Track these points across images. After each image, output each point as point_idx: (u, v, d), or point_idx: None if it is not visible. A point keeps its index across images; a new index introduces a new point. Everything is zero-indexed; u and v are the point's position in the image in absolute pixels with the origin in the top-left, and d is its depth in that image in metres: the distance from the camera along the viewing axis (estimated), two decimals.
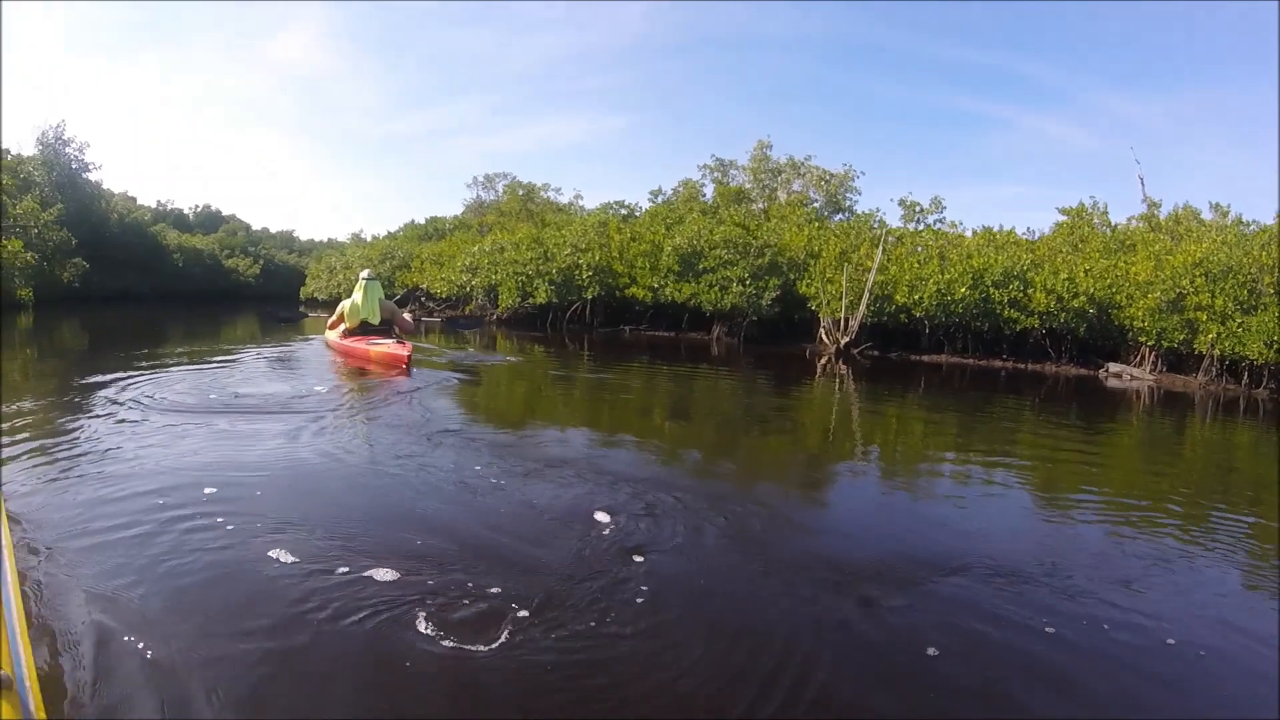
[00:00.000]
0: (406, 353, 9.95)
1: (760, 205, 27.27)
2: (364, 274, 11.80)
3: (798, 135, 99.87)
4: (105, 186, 49.65)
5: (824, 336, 17.66)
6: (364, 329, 11.29)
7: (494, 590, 2.93)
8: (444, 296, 27.45)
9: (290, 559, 3.15)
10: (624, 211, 28.51)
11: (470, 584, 2.98)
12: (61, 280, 35.87)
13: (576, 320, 22.29)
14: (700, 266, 19.60)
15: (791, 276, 19.09)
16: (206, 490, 4.00)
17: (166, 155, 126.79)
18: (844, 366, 14.59)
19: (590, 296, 21.32)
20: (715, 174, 29.69)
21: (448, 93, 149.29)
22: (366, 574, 3.03)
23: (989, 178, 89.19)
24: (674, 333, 20.77)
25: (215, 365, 9.99)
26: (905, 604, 3.08)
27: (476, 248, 25.45)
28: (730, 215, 22.35)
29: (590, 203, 34.64)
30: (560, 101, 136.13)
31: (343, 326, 11.51)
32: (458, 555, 3.30)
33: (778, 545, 3.77)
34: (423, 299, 30.07)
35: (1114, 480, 6.12)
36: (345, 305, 11.53)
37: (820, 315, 17.73)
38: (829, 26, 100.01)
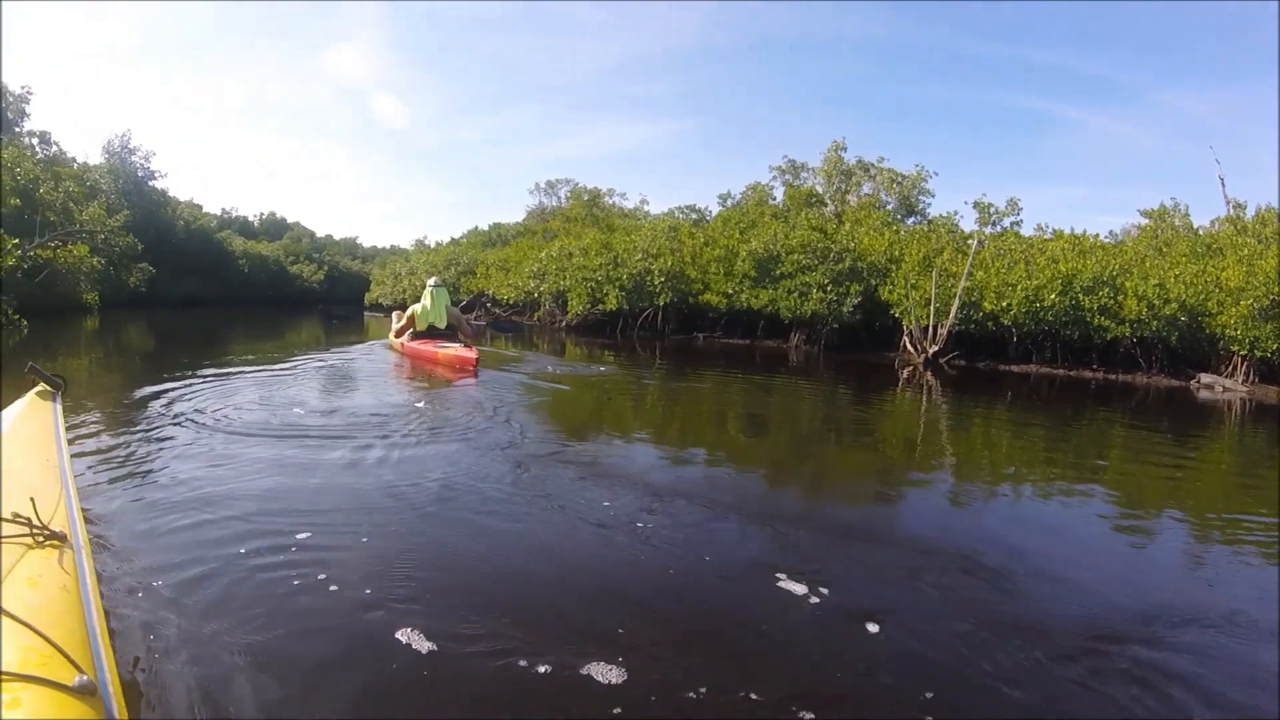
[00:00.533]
0: (474, 356, 10.42)
1: (832, 208, 26.76)
2: (431, 281, 12.49)
3: (857, 138, 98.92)
4: (171, 194, 51.11)
5: (909, 345, 17.17)
6: (430, 333, 11.98)
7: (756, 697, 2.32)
8: (510, 302, 27.51)
9: (426, 644, 2.52)
10: (694, 216, 28.27)
11: (728, 692, 2.33)
12: (128, 285, 36.64)
13: (647, 327, 22.20)
14: (777, 272, 19.22)
15: (873, 282, 18.59)
16: (299, 535, 3.45)
17: (232, 165, 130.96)
18: (933, 377, 14.12)
19: (662, 303, 21.13)
20: (786, 176, 29.31)
21: (502, 101, 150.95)
22: (574, 670, 2.40)
23: (1054, 179, 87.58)
24: (749, 340, 20.43)
25: (283, 372, 10.04)
26: None
27: (544, 253, 25.48)
28: (806, 219, 21.92)
29: (655, 208, 34.56)
30: (615, 108, 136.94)
31: (409, 330, 12.20)
32: (671, 644, 2.67)
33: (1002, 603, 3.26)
34: (488, 305, 30.22)
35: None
36: (414, 309, 12.21)
37: (904, 323, 17.24)
38: (889, 28, 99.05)
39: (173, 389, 8.00)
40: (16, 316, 16.74)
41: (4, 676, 1.35)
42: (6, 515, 1.94)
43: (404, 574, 3.15)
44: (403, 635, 2.58)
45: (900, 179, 27.24)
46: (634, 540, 3.72)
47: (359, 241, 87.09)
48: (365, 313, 35.11)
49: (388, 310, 29.43)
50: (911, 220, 26.25)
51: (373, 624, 2.69)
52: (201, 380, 8.82)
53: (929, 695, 2.38)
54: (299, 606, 2.81)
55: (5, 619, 1.51)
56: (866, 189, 28.13)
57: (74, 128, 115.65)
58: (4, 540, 1.86)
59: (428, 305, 12.08)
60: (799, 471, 6.08)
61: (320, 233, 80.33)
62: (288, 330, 24.15)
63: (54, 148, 41.27)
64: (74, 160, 42.24)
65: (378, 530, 3.67)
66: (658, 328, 21.94)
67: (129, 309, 33.03)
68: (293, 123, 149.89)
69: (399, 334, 12.53)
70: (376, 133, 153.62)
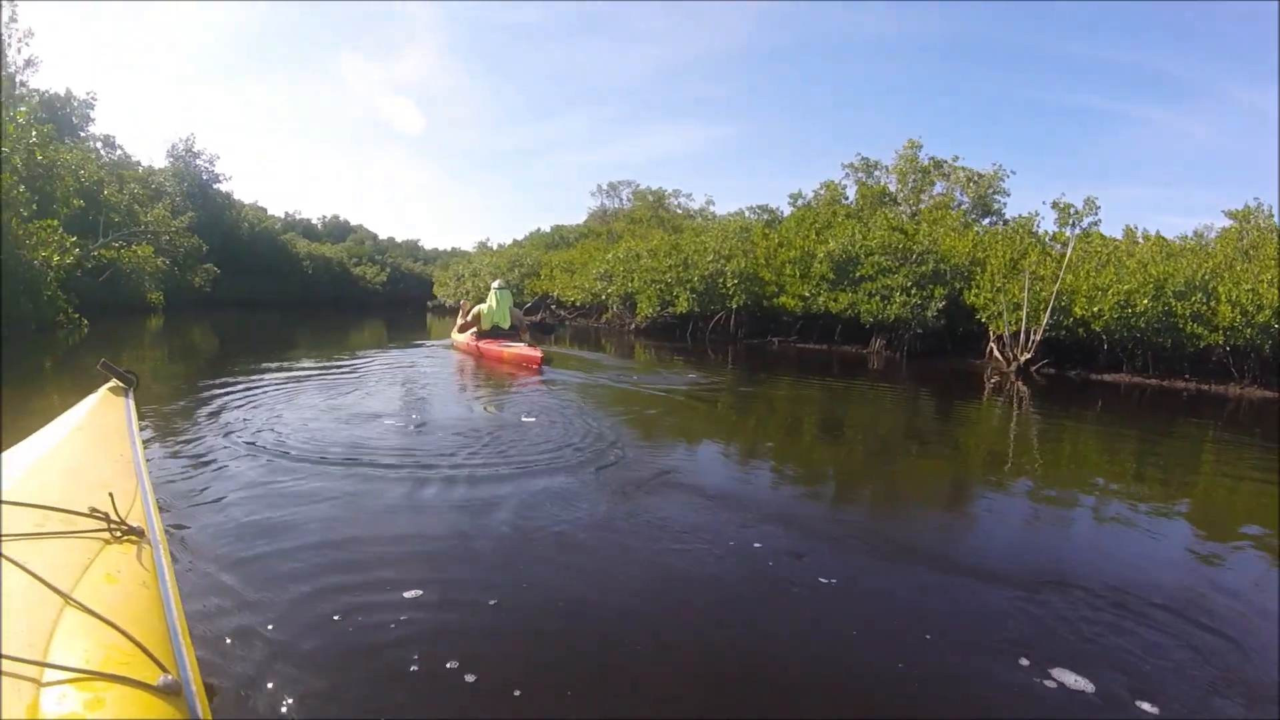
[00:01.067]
0: (539, 354, 11.08)
1: (906, 208, 26.11)
2: (496, 283, 13.30)
3: (920, 137, 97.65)
4: (236, 197, 52.21)
5: (996, 351, 16.57)
6: (495, 332, 12.62)
7: None
8: (577, 304, 27.36)
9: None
10: (765, 216, 27.80)
11: None
12: (193, 285, 37.37)
13: (719, 331, 21.94)
14: (857, 274, 18.75)
15: (956, 286, 17.98)
16: (409, 594, 2.99)
17: (294, 169, 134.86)
18: (1024, 386, 13.64)
19: (735, 306, 20.77)
20: (859, 174, 28.69)
21: (560, 106, 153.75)
22: None
23: (1124, 179, 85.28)
24: (826, 345, 20.06)
25: (351, 375, 10.16)
26: None
27: (610, 255, 25.32)
28: (885, 219, 21.34)
29: (720, 209, 34.20)
30: (672, 111, 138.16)
31: (472, 330, 12.90)
32: None
33: None
34: (553, 306, 30.14)
35: None
36: (479, 309, 12.85)
37: (991, 328, 16.64)
38: (950, 26, 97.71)
39: (240, 389, 8.11)
40: (76, 315, 17.07)
41: (88, 675, 1.34)
42: (83, 509, 1.94)
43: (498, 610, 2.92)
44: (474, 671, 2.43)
45: (977, 178, 26.53)
46: (815, 593, 3.28)
47: (420, 244, 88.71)
48: (428, 314, 35.44)
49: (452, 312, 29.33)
50: (987, 221, 25.52)
51: (455, 637, 2.67)
52: (269, 382, 8.94)
53: None
54: (373, 608, 2.83)
55: (86, 615, 1.50)
56: (939, 188, 27.55)
57: (139, 138, 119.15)
58: (82, 535, 1.86)
59: (493, 306, 12.71)
60: (913, 494, 5.69)
61: (382, 235, 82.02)
62: (351, 331, 24.63)
63: (119, 151, 42.54)
64: (139, 164, 43.36)
65: (466, 544, 3.62)
66: (730, 331, 21.64)
67: (194, 308, 33.66)
68: (355, 128, 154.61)
69: (462, 330, 13.29)
70: (437, 137, 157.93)
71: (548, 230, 48.00)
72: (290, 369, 10.76)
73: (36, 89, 32.17)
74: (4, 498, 1.88)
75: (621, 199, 46.31)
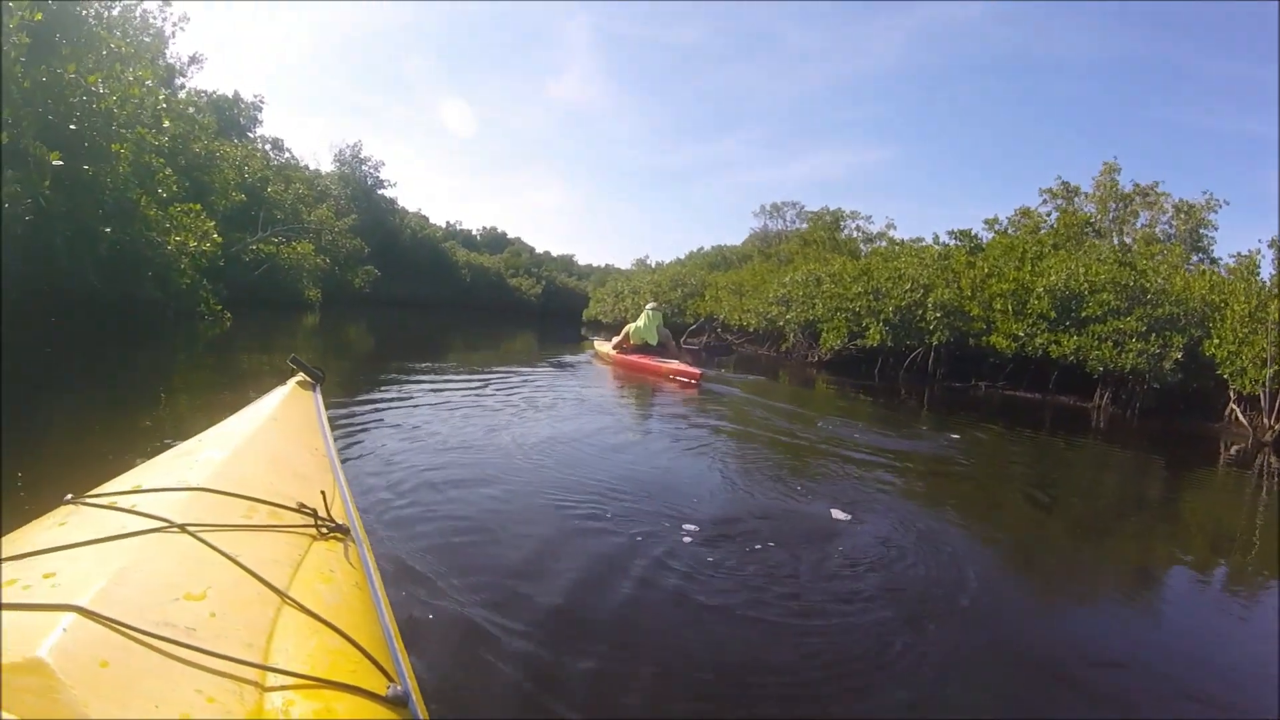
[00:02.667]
0: (698, 371, 12.19)
1: (1114, 240, 23.46)
2: (650, 305, 15.18)
3: (1087, 163, 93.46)
4: (400, 205, 54.70)
5: (1238, 415, 14.09)
6: (642, 348, 14.00)
7: None
8: (747, 329, 25.86)
9: None
10: (965, 243, 25.49)
11: None
12: (352, 285, 38.60)
13: (914, 370, 19.67)
14: (1082, 314, 16.46)
15: (1194, 334, 15.46)
16: (605, 598, 3.19)
17: (457, 183, 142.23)
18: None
19: (936, 342, 18.63)
20: (1059, 200, 26.18)
21: (715, 127, 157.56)
22: None
23: None
24: (1039, 393, 17.57)
25: (512, 380, 10.72)
26: None
27: (789, 277, 23.65)
28: (1112, 252, 18.90)
29: (902, 232, 32.16)
30: (829, 132, 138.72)
31: (617, 343, 14.65)
32: None
33: None
34: (719, 330, 28.72)
35: None
36: (629, 327, 14.47)
37: (1232, 387, 14.16)
38: (1110, 46, 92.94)
39: (404, 389, 8.76)
40: (218, 307, 16.80)
41: (314, 682, 1.31)
42: (286, 502, 1.94)
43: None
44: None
45: (1187, 208, 23.65)
46: None
47: (574, 259, 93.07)
48: (582, 329, 35.10)
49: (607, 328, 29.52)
50: (1196, 259, 22.59)
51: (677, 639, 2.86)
52: (433, 383, 9.63)
53: None
54: (573, 614, 2.94)
55: (305, 616, 1.48)
56: (1142, 219, 24.93)
57: (308, 146, 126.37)
58: (290, 530, 1.84)
59: (642, 324, 14.21)
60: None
61: (539, 249, 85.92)
62: (504, 339, 25.34)
63: (286, 154, 44.64)
64: (306, 167, 45.34)
65: (667, 553, 3.73)
66: (929, 371, 19.48)
67: (351, 307, 34.89)
68: (515, 145, 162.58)
69: (616, 347, 14.66)
70: (593, 156, 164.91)
71: (709, 249, 47.33)
72: (452, 372, 11.59)
73: (205, 90, 33.74)
74: (208, 485, 1.87)
75: (785, 220, 45.26)
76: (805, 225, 41.02)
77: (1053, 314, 16.83)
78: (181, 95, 26.56)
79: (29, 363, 8.51)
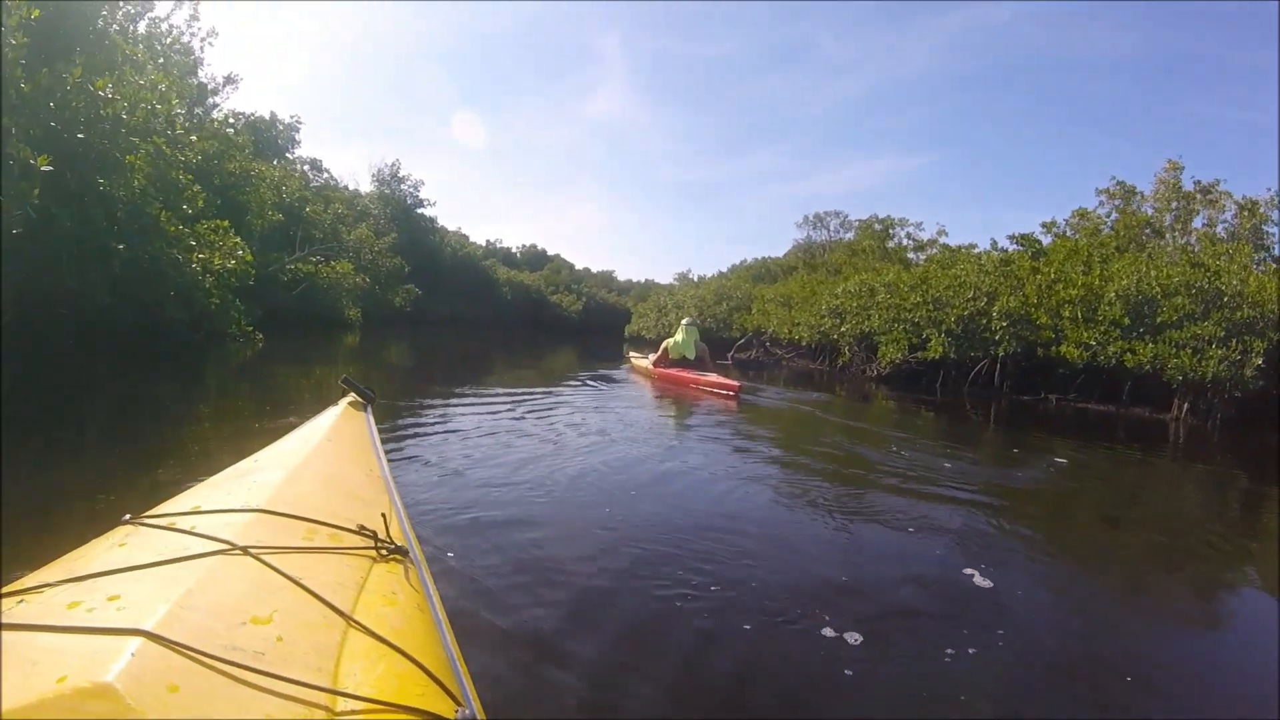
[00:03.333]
0: (737, 384, 12.51)
1: (1172, 241, 22.53)
2: (685, 320, 15.54)
3: (1128, 162, 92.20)
4: (440, 224, 55.26)
5: None
6: (680, 362, 14.55)
7: None
8: (799, 342, 25.25)
9: None
10: (1026, 248, 24.60)
11: None
12: (393, 304, 38.76)
13: (979, 383, 18.92)
14: (1157, 320, 15.69)
15: (1274, 337, 14.63)
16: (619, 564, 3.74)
17: (497, 201, 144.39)
18: None
19: (1002, 353, 17.87)
20: (1115, 200, 25.26)
21: (752, 140, 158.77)
22: None
23: None
24: (1112, 405, 16.75)
25: (553, 397, 10.81)
26: None
27: (841, 288, 23.03)
28: (1185, 254, 18.08)
29: (952, 239, 31.32)
30: (867, 141, 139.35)
31: (654, 357, 15.28)
32: None
33: None
34: (767, 344, 28.16)
35: None
36: (668, 342, 15.01)
37: None
38: (1142, 43, 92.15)
39: (446, 408, 8.81)
40: (250, 328, 16.58)
41: (384, 707, 1.31)
42: (344, 523, 1.95)
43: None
44: None
45: (1251, 205, 22.63)
46: None
47: (614, 275, 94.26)
48: (625, 345, 34.85)
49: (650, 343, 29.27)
50: (1260, 257, 21.52)
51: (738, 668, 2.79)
52: (475, 402, 9.82)
53: None
54: (631, 637, 2.95)
55: (371, 640, 1.49)
56: (1199, 220, 23.77)
57: (347, 168, 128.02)
58: (351, 552, 1.85)
59: (679, 339, 14.76)
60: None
61: (578, 265, 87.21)
62: (546, 356, 25.14)
63: (325, 174, 45.05)
64: (345, 187, 45.76)
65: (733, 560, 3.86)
66: (995, 384, 18.72)
67: (392, 326, 35.25)
68: (552, 162, 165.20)
69: (655, 362, 15.14)
70: (630, 172, 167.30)
71: (751, 261, 46.91)
72: (495, 391, 11.71)
73: (242, 112, 33.99)
74: (268, 507, 1.89)
75: (829, 230, 44.64)
76: (850, 235, 40.62)
77: (1126, 321, 16.09)
78: (215, 115, 26.65)
79: (51, 384, 8.62)
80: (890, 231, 32.43)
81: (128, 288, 12.41)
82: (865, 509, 5.46)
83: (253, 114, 34.94)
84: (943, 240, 30.42)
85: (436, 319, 44.36)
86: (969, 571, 4.09)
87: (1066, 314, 17.17)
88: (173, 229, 13.71)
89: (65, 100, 10.58)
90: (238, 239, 16.17)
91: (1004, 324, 17.50)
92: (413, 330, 34.62)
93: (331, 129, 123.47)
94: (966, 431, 11.77)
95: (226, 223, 15.97)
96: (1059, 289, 17.76)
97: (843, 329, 22.03)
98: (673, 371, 14.31)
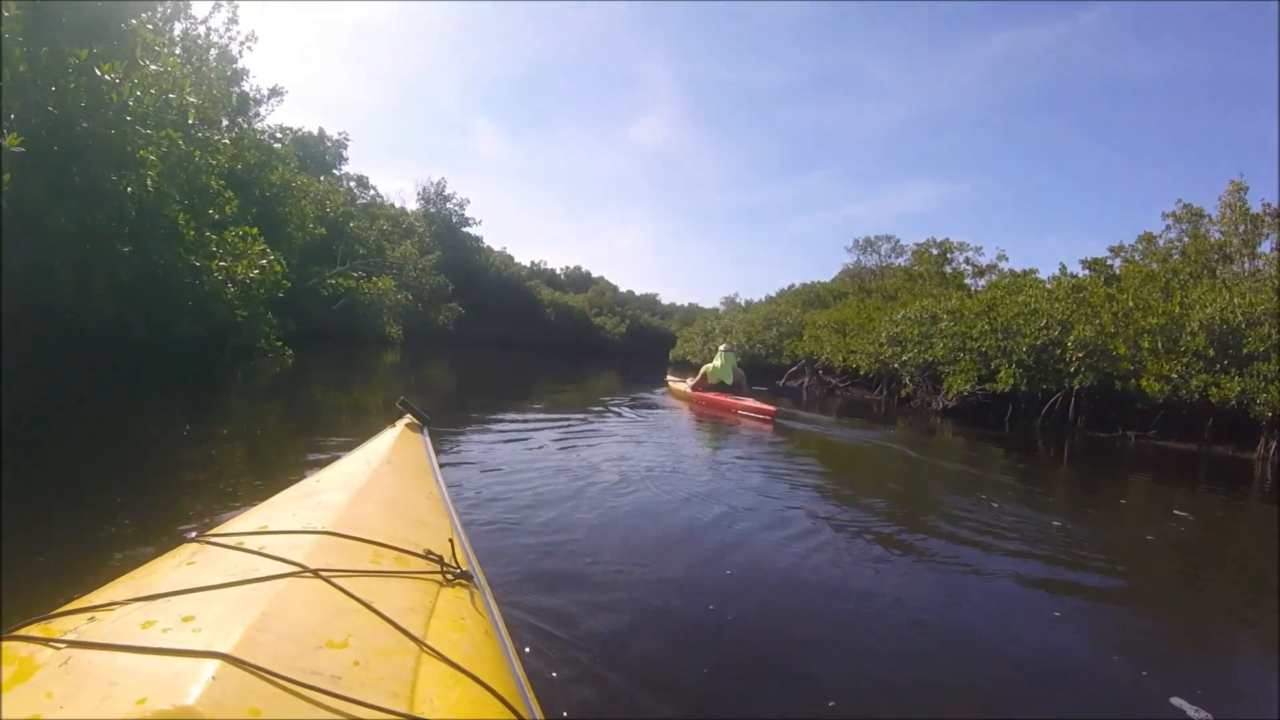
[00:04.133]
0: (773, 409, 12.82)
1: (1241, 265, 21.60)
2: (723, 346, 16.01)
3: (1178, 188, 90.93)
4: (485, 244, 55.71)
5: None
6: (718, 387, 15.10)
7: None
8: (857, 371, 24.45)
9: None
10: (1097, 272, 23.68)
11: None
12: (435, 322, 38.76)
13: (1051, 417, 18.04)
14: (1243, 351, 14.86)
15: None
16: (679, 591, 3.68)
17: (542, 223, 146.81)
18: None
19: (1077, 386, 17.05)
20: (1183, 224, 24.38)
21: (797, 165, 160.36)
22: None
23: None
24: (1195, 444, 15.91)
25: (588, 420, 10.83)
26: None
27: (900, 315, 22.31)
28: (1270, 279, 17.22)
29: (1012, 264, 30.48)
30: (912, 166, 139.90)
31: (692, 382, 15.93)
32: None
33: None
34: (819, 372, 27.46)
35: None
36: (706, 368, 15.56)
37: None
38: (1192, 61, 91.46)
39: (495, 430, 8.84)
40: (280, 343, 16.27)
41: None
42: (409, 547, 1.98)
43: None
44: None
45: None
46: None
47: (658, 298, 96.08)
48: (669, 370, 34.46)
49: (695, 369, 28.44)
50: None
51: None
52: (522, 425, 9.74)
53: None
54: (703, 659, 2.95)
55: (444, 665, 1.50)
56: (1267, 244, 22.80)
57: (394, 187, 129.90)
58: (418, 576, 1.86)
59: (718, 365, 15.35)
60: None
61: (622, 288, 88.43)
62: (589, 379, 25.06)
63: (371, 192, 45.47)
64: (392, 205, 46.10)
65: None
66: (1068, 419, 17.80)
67: (434, 345, 35.31)
68: (598, 187, 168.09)
69: (694, 387, 15.63)
70: (674, 195, 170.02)
71: (800, 286, 46.29)
72: (540, 413, 11.75)
73: (290, 127, 34.16)
74: (334, 529, 1.92)
75: (881, 254, 44.06)
76: (902, 260, 40.30)
77: (1210, 352, 15.28)
78: (258, 125, 26.71)
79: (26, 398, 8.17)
80: (948, 256, 31.65)
81: (136, 296, 11.63)
82: (976, 587, 4.44)
83: (300, 129, 35.23)
84: (1003, 265, 29.63)
85: (479, 339, 44.58)
86: (1178, 703, 3.00)
87: (1146, 344, 16.35)
88: (191, 234, 12.95)
89: (65, 84, 9.67)
90: (264, 247, 15.55)
91: (1079, 354, 16.71)
92: (455, 349, 34.56)
93: (381, 149, 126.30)
94: (1052, 474, 11.07)
95: (255, 230, 15.47)
96: (1137, 317, 16.94)
97: (904, 358, 21.33)
98: (710, 395, 14.79)
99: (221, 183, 14.69)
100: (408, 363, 23.01)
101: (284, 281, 16.20)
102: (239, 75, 23.22)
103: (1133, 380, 16.30)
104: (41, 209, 9.38)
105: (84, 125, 10.00)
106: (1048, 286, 20.48)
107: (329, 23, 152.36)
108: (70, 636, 1.32)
